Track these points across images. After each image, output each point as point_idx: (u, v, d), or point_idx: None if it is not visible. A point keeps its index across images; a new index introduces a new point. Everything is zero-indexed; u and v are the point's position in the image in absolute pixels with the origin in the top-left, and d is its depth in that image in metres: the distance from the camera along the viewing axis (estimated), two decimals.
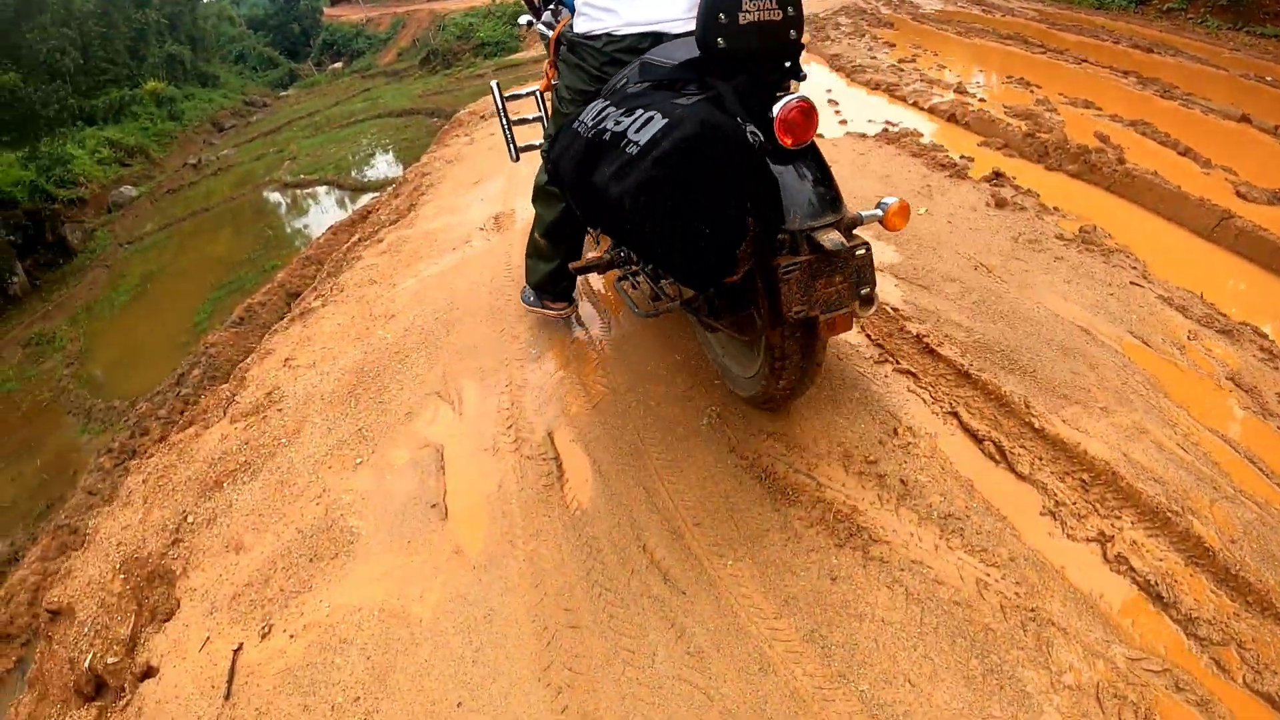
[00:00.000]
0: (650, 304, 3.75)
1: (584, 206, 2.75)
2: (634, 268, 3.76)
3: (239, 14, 49.32)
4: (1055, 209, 5.49)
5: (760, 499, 3.29)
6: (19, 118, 16.72)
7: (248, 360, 6.21)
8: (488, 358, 4.81)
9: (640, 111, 2.44)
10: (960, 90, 8.26)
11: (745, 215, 2.46)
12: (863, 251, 2.66)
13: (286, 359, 5.55)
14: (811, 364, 3.07)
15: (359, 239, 8.48)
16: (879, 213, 2.73)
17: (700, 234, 2.36)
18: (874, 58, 9.84)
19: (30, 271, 15.06)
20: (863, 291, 2.68)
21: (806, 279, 2.58)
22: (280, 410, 4.84)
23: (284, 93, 38.81)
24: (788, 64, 2.71)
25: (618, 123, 2.50)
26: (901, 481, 3.26)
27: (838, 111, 8.15)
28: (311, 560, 3.59)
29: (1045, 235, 5.07)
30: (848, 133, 7.50)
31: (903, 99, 8.28)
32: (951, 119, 7.45)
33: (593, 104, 2.79)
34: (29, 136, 17.32)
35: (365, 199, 13.64)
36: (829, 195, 2.71)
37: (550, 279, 4.43)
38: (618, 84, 3.12)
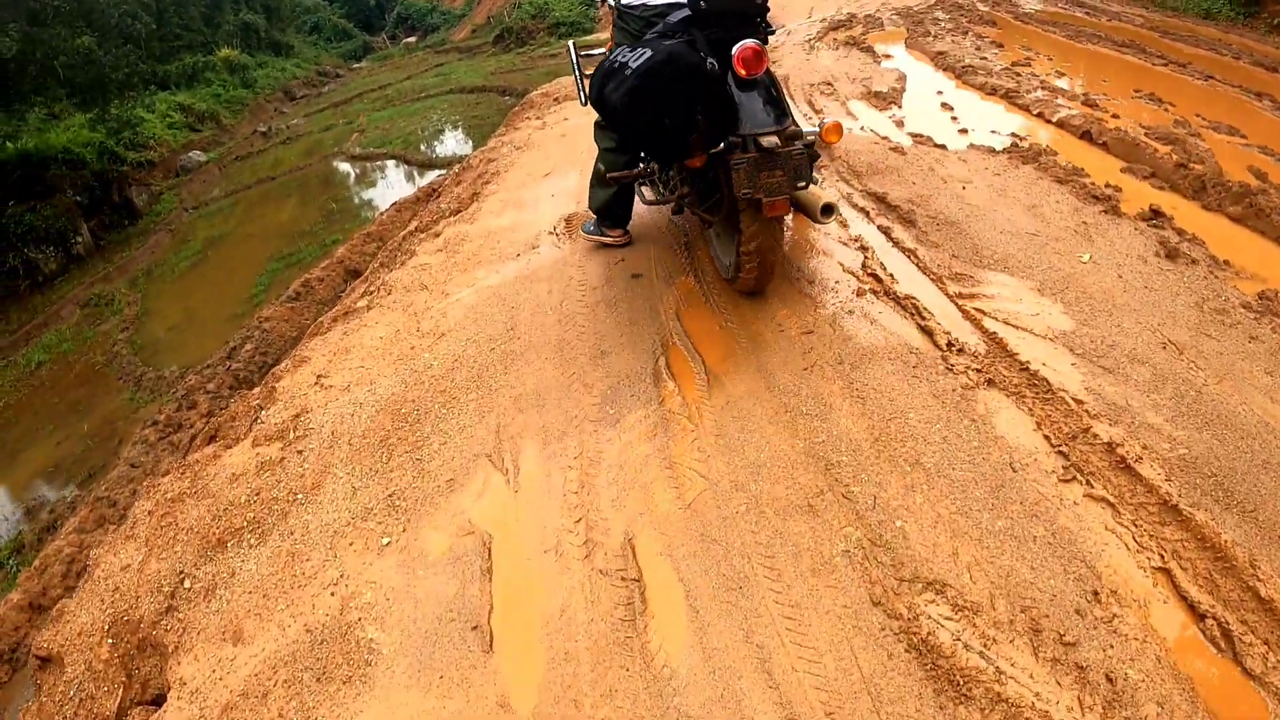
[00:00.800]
0: (658, 196, 4.91)
1: (603, 112, 3.73)
2: (653, 173, 4.74)
3: None
4: (1227, 264, 4.44)
5: (916, 688, 2.40)
6: (90, 80, 16.54)
7: (281, 366, 5.43)
8: (553, 412, 3.99)
9: (640, 49, 3.50)
10: (1089, 103, 7.26)
11: (695, 116, 3.48)
12: (798, 154, 3.54)
13: (319, 375, 4.90)
14: (771, 243, 3.97)
15: (416, 228, 7.83)
16: (816, 129, 3.82)
17: (663, 125, 3.45)
18: (983, 58, 8.95)
19: (95, 232, 14.82)
20: (799, 184, 3.58)
21: (752, 170, 3.51)
22: (301, 452, 4.13)
23: (357, 65, 38.53)
24: (758, 20, 3.77)
25: (625, 57, 3.53)
26: (1108, 679, 2.35)
27: (955, 118, 7.28)
28: (319, 680, 2.86)
29: (1229, 303, 4.02)
30: (972, 144, 6.59)
31: (1024, 108, 7.35)
32: (1086, 137, 6.49)
33: (620, 47, 3.73)
34: (99, 99, 17.21)
35: (431, 176, 13.18)
36: (775, 112, 3.64)
37: (608, 205, 5.32)
38: (644, 39, 3.98)
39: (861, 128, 7.09)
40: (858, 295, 4.42)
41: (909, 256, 4.84)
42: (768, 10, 3.81)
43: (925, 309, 4.20)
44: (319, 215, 13.19)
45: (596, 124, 4.90)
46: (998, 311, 4.12)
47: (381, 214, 10.81)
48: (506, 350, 4.64)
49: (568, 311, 4.93)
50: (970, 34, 10.36)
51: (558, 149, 8.22)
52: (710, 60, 3.45)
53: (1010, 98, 7.52)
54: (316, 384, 4.79)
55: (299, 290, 8.49)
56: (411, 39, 42.46)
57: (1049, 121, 6.90)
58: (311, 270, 8.95)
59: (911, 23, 11.50)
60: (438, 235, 6.91)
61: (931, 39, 10.16)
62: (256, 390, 5.22)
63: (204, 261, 12.25)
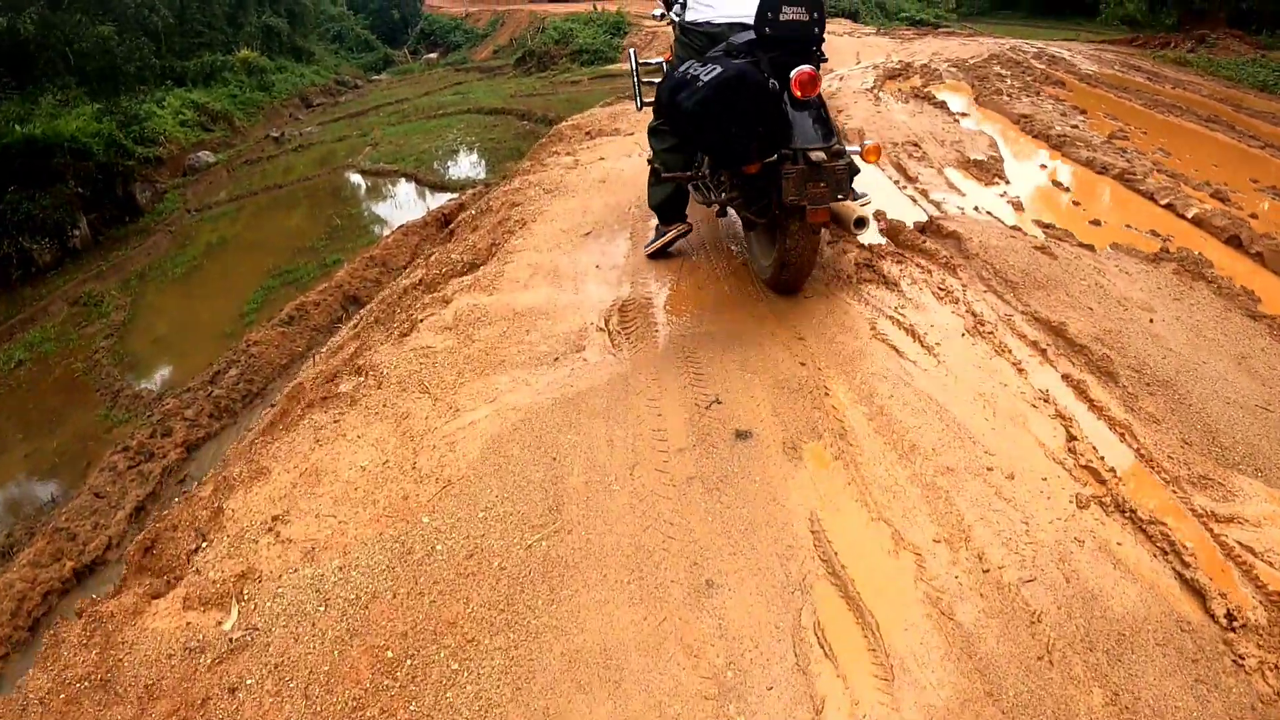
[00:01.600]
0: (711, 198, 4.94)
1: (670, 117, 4.19)
2: (705, 177, 4.95)
3: None
4: None
5: None
6: (101, 70, 16.14)
7: (236, 472, 3.86)
8: (636, 699, 2.44)
9: (710, 65, 3.91)
10: (1218, 195, 6.48)
11: (757, 128, 3.87)
12: (842, 169, 3.94)
13: (276, 517, 3.32)
14: (809, 247, 4.34)
15: (421, 282, 6.47)
16: (859, 149, 4.17)
17: (729, 132, 3.82)
18: (1073, 126, 8.36)
19: (94, 226, 14.27)
20: (840, 196, 3.97)
21: (800, 179, 3.87)
22: (234, 690, 2.59)
23: (377, 77, 38.13)
24: (813, 48, 4.14)
25: (696, 70, 3.92)
26: None
27: (1077, 203, 6.48)
28: None
29: None
30: (1115, 245, 5.58)
31: (1149, 196, 6.48)
32: (1234, 243, 5.60)
33: (688, 62, 4.15)
34: (110, 90, 16.77)
35: (442, 198, 12.81)
36: (823, 131, 4.02)
37: (668, 201, 5.41)
38: (710, 54, 4.35)
39: (976, 208, 6.16)
40: (1080, 508, 3.09)
41: (1124, 437, 3.56)
42: (823, 40, 4.21)
43: (1181, 543, 2.90)
44: (323, 230, 12.73)
45: (651, 128, 5.21)
46: (1272, 552, 2.89)
47: (387, 236, 10.47)
48: (550, 552, 3.01)
49: (643, 489, 3.31)
50: (1042, 95, 10.00)
51: (598, 199, 6.82)
52: (772, 81, 3.94)
53: (1128, 181, 6.84)
54: (271, 529, 3.26)
55: (292, 314, 8.08)
56: (433, 55, 42.08)
57: (1182, 216, 6.13)
58: (308, 293, 8.58)
59: (974, 78, 11.19)
60: (446, 303, 5.25)
61: (1006, 99, 9.73)
62: (207, 493, 3.83)
63: (200, 269, 11.79)
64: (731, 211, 5.30)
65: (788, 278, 4.58)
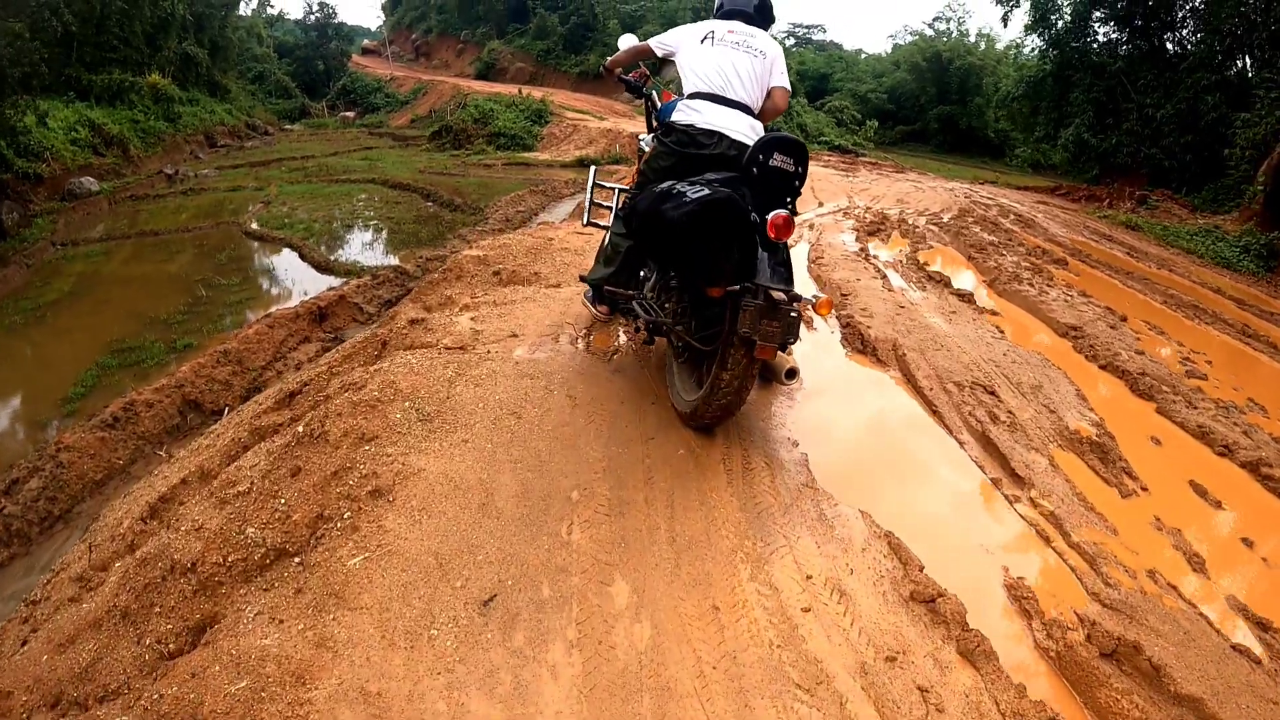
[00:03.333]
0: (650, 319, 4.70)
1: (648, 229, 4.07)
2: (647, 299, 4.84)
3: (269, 35, 47.21)
4: None
5: None
6: None
7: None
8: None
9: (699, 186, 3.87)
10: None
11: (733, 253, 3.87)
12: (796, 314, 3.85)
13: None
14: (744, 384, 4.13)
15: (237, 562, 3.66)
16: (813, 300, 3.95)
17: (706, 252, 3.83)
18: (1139, 352, 6.66)
19: None
20: (788, 340, 3.87)
21: (758, 314, 3.78)
22: None
23: (289, 126, 36.58)
24: (789, 196, 4.10)
25: (683, 188, 3.86)
26: None
27: (1251, 545, 4.25)
28: None
29: None
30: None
31: (1216, 441, 5.20)
32: None
33: (668, 182, 4.06)
34: None
35: (323, 283, 11.37)
36: (785, 274, 3.95)
37: (605, 282, 5.00)
38: (695, 179, 4.13)
39: (1153, 574, 3.75)
40: None
41: None
42: (800, 191, 4.15)
43: None
44: (184, 300, 10.80)
45: (614, 232, 5.06)
46: None
47: (248, 327, 8.85)
48: None
49: None
50: (1054, 282, 8.84)
51: (506, 461, 3.93)
52: (754, 215, 3.89)
53: (1264, 477, 4.90)
54: None
55: (118, 414, 6.59)
56: (350, 114, 40.65)
57: (1261, 477, 4.84)
58: (142, 389, 7.07)
59: (965, 244, 10.09)
60: (295, 570, 3.20)
61: (1028, 290, 8.27)
62: None
63: (39, 323, 9.84)
64: (659, 341, 5.11)
65: (712, 412, 4.31)
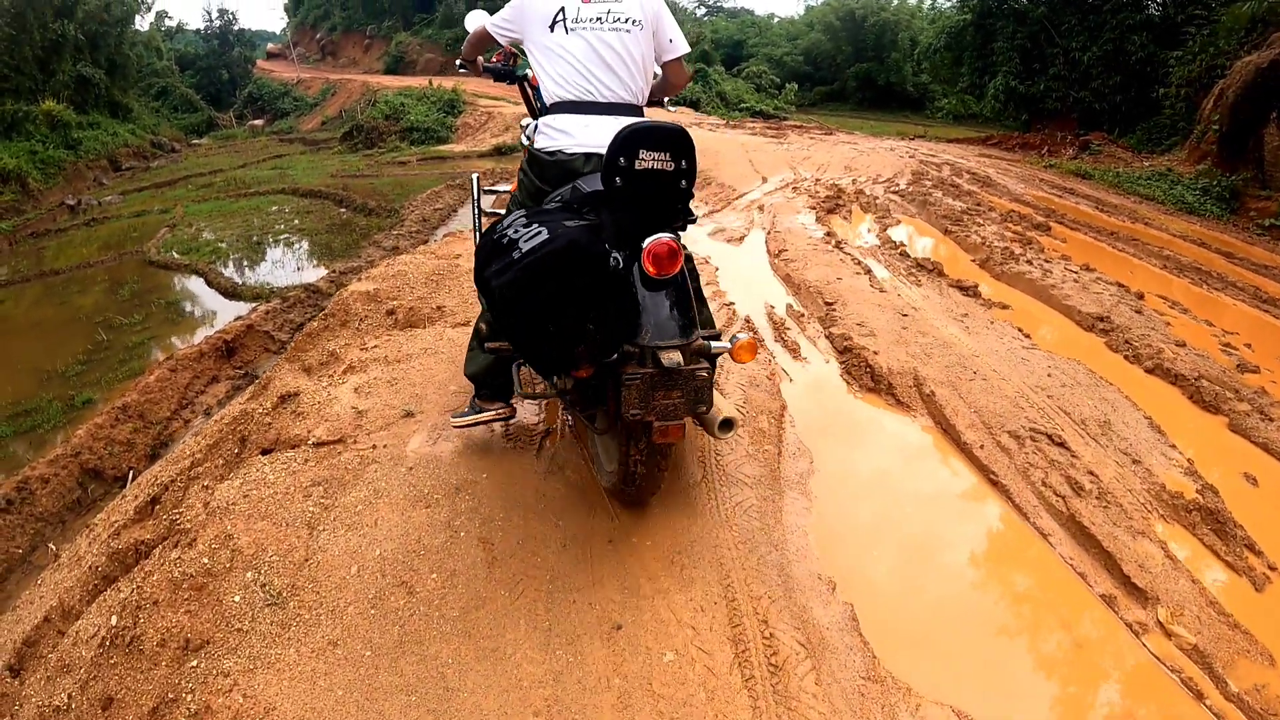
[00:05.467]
0: (534, 388, 3.32)
1: (483, 294, 2.81)
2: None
3: (169, 48, 44.43)
4: None
5: None
6: None
7: None
8: None
9: (536, 226, 2.63)
10: None
11: (587, 322, 2.60)
12: (703, 374, 2.76)
13: None
14: (657, 466, 3.09)
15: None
16: (728, 346, 2.84)
17: (546, 331, 2.59)
18: (1180, 344, 5.57)
19: None
20: (698, 408, 2.79)
21: (646, 388, 2.69)
22: None
23: (197, 141, 34.33)
24: (679, 207, 2.87)
25: (517, 231, 2.66)
26: None
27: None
28: None
29: None
30: None
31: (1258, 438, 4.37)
32: None
33: (515, 213, 2.89)
34: None
35: (231, 311, 10.16)
36: (682, 322, 2.82)
37: (488, 373, 3.70)
38: (547, 202, 3.24)
39: None
40: None
41: None
42: (691, 197, 2.91)
43: None
44: (84, 346, 9.52)
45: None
46: None
47: (150, 372, 7.71)
48: None
49: None
50: (1046, 253, 7.69)
51: (419, 638, 2.72)
52: (615, 254, 2.62)
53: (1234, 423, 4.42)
54: None
55: (11, 496, 5.58)
56: (258, 122, 38.66)
57: None
58: (36, 463, 5.98)
59: (932, 214, 9.02)
60: None
61: (1028, 269, 7.09)
62: None
63: None
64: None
65: (632, 494, 3.29)
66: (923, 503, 3.75)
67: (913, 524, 3.58)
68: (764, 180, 11.38)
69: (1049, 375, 4.81)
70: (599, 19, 3.32)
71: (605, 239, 2.66)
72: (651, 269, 2.71)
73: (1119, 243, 8.60)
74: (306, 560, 2.97)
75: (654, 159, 2.71)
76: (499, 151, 22.78)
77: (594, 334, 2.64)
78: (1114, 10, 18.15)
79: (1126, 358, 5.40)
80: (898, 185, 11.01)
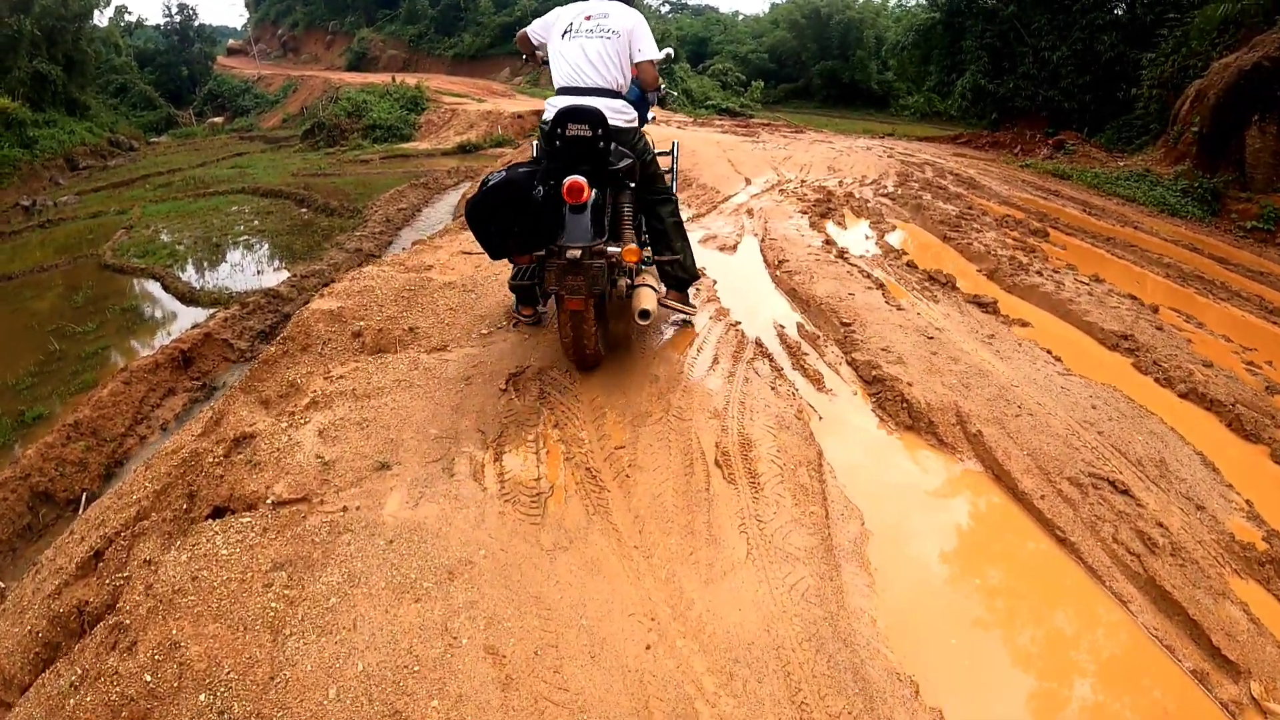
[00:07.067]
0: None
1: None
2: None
3: (128, 44, 43.07)
4: None
5: None
6: None
7: None
8: None
9: (501, 171, 4.11)
10: None
11: (514, 227, 3.88)
12: (598, 266, 3.91)
13: None
14: (578, 331, 4.22)
15: None
16: (619, 250, 4.04)
17: (490, 230, 3.91)
18: (1206, 365, 5.16)
19: None
20: (595, 289, 3.93)
21: (559, 272, 3.93)
22: None
23: (156, 139, 33.47)
24: (600, 159, 4.15)
25: (492, 176, 4.05)
26: None
27: None
28: None
29: None
30: None
31: None
32: None
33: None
34: None
35: (188, 318, 9.88)
36: (592, 232, 3.94)
37: (517, 292, 5.04)
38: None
39: None
40: None
41: None
42: (608, 153, 4.16)
43: None
44: (36, 357, 9.00)
45: None
46: None
47: (104, 386, 7.36)
48: None
49: None
50: (1050, 262, 7.24)
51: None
52: (540, 188, 3.90)
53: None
54: None
55: None
56: (218, 119, 37.71)
57: None
58: None
59: (927, 219, 8.62)
60: None
61: (1038, 280, 6.58)
62: None
63: None
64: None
65: (573, 355, 4.46)
66: (989, 569, 3.24)
67: (983, 599, 3.05)
68: (748, 182, 10.80)
69: (1093, 407, 4.28)
70: (591, 30, 4.54)
71: (537, 178, 3.93)
72: (568, 198, 3.90)
73: (1117, 249, 8.19)
74: (272, 679, 2.35)
75: (577, 129, 4.04)
76: (463, 149, 22.32)
77: (519, 234, 3.89)
78: (1083, 10, 17.92)
79: (1158, 380, 4.94)
80: (885, 188, 10.52)
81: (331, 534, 3.03)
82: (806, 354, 4.88)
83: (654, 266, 5.00)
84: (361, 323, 5.15)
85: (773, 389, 4.33)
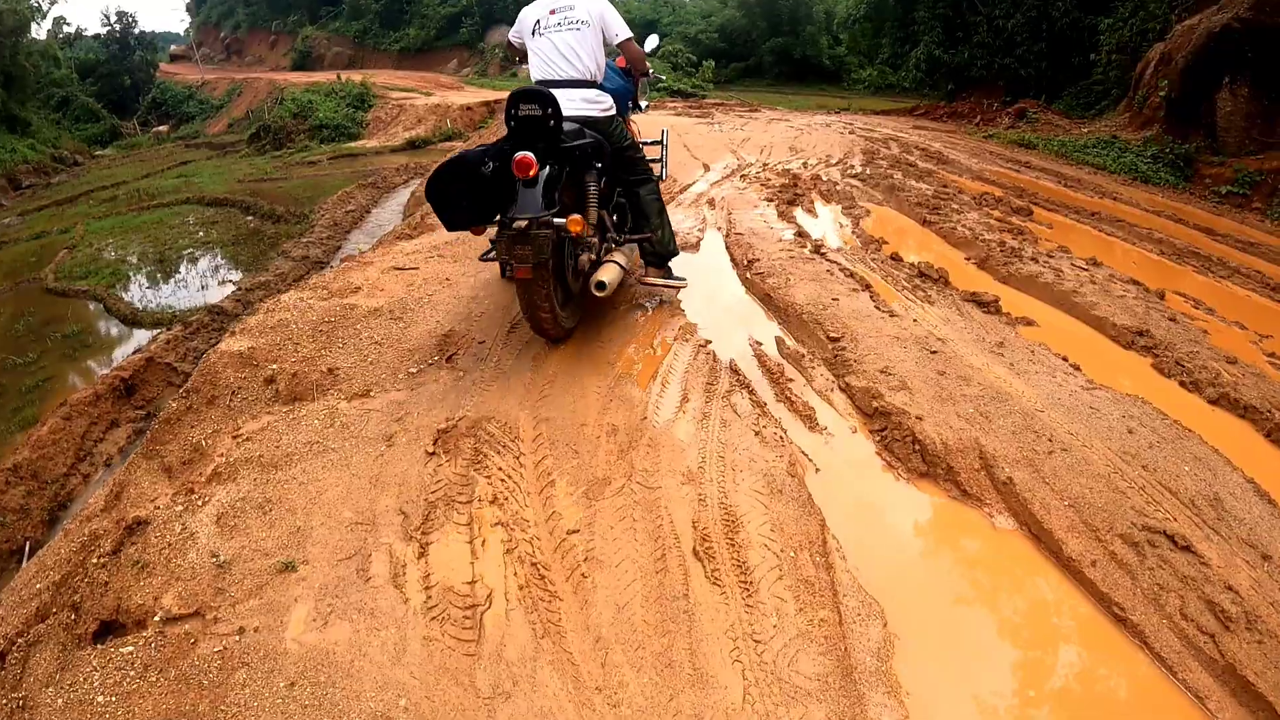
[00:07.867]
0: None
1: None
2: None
3: (68, 56, 41.52)
4: None
5: None
6: None
7: None
8: None
9: (461, 150, 4.45)
10: None
11: (463, 201, 4.13)
12: (542, 235, 4.07)
13: None
14: (531, 301, 4.40)
15: None
16: (564, 221, 4.16)
17: (443, 205, 4.15)
18: (1230, 361, 4.63)
19: None
20: (542, 258, 4.11)
21: (509, 243, 4.10)
22: None
23: (101, 152, 32.18)
24: (550, 137, 4.25)
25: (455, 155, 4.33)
26: None
27: None
28: None
29: None
30: None
31: None
32: None
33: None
34: None
35: (132, 342, 9.24)
36: (540, 204, 4.11)
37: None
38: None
39: None
40: None
41: None
42: (560, 131, 4.27)
43: None
44: None
45: None
46: None
47: (42, 424, 6.66)
48: None
49: None
50: (1040, 244, 6.68)
51: None
52: (489, 163, 4.11)
53: None
54: None
55: None
56: (163, 128, 36.47)
57: None
58: None
59: (902, 201, 8.03)
60: None
61: (1034, 268, 5.97)
62: None
63: None
64: None
65: (533, 325, 4.65)
66: (1042, 674, 2.56)
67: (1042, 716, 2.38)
68: (706, 169, 10.07)
69: (1129, 431, 3.61)
70: (559, 24, 4.79)
71: (489, 155, 4.11)
72: (516, 172, 4.03)
73: (1104, 225, 7.67)
74: None
75: (528, 109, 4.17)
76: (412, 145, 21.63)
77: (467, 207, 4.11)
78: None
79: (1183, 384, 4.35)
80: (853, 167, 9.89)
81: (224, 671, 2.38)
82: (791, 380, 4.15)
83: (632, 246, 5.30)
84: (274, 365, 4.38)
85: (756, 434, 3.60)
